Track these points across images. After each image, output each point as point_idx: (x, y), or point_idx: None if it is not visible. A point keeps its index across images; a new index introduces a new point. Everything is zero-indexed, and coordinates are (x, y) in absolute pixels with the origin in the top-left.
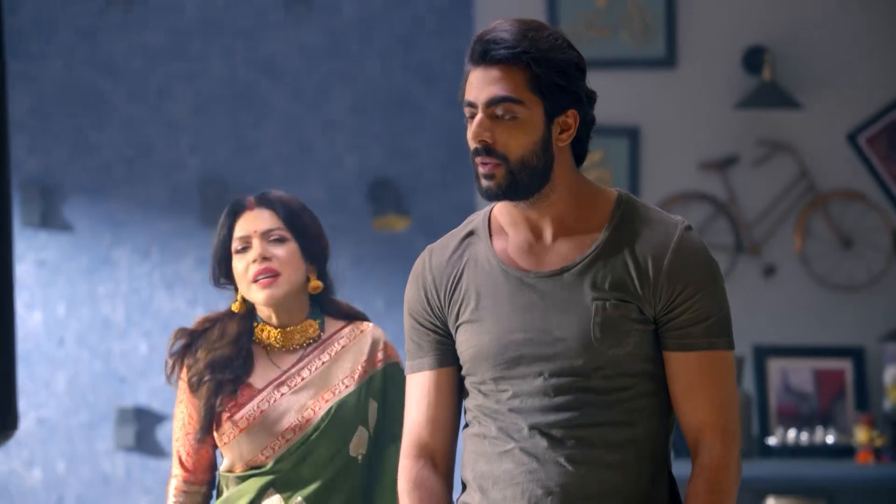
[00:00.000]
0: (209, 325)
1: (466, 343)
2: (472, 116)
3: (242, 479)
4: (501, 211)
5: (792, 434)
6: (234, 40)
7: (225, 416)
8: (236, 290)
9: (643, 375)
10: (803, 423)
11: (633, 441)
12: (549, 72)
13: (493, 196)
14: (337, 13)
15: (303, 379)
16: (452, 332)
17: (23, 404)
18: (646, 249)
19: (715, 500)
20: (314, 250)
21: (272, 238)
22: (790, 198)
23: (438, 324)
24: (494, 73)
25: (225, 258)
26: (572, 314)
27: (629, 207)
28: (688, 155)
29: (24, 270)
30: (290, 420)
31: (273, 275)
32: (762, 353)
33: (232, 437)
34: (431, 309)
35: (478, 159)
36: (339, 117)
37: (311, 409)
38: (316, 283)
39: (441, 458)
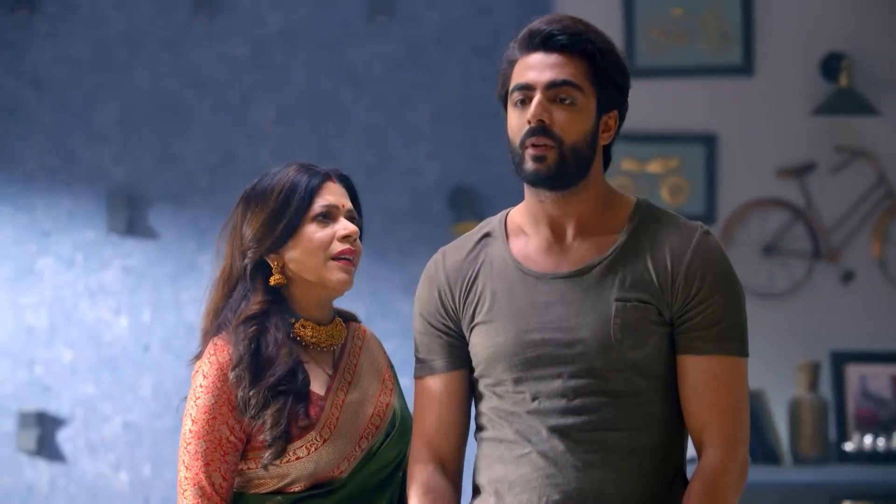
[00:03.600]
0: (257, 325)
1: (481, 344)
2: (525, 101)
3: (300, 500)
4: (521, 212)
5: (869, 439)
6: (316, 51)
7: (294, 429)
8: (265, 265)
9: (661, 379)
10: (881, 428)
11: (651, 446)
12: (609, 67)
13: (540, 179)
14: (418, 23)
15: (349, 382)
16: (466, 334)
17: (109, 409)
18: (665, 250)
19: (709, 503)
20: None
21: (353, 221)
22: (868, 204)
23: (452, 326)
24: (556, 58)
25: (298, 223)
26: (592, 315)
27: (648, 211)
28: (765, 162)
29: (110, 277)
30: (362, 426)
31: (352, 259)
32: (840, 359)
33: (312, 449)
34: (445, 310)
35: (532, 139)
36: (421, 126)
37: (377, 415)
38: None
39: (451, 463)
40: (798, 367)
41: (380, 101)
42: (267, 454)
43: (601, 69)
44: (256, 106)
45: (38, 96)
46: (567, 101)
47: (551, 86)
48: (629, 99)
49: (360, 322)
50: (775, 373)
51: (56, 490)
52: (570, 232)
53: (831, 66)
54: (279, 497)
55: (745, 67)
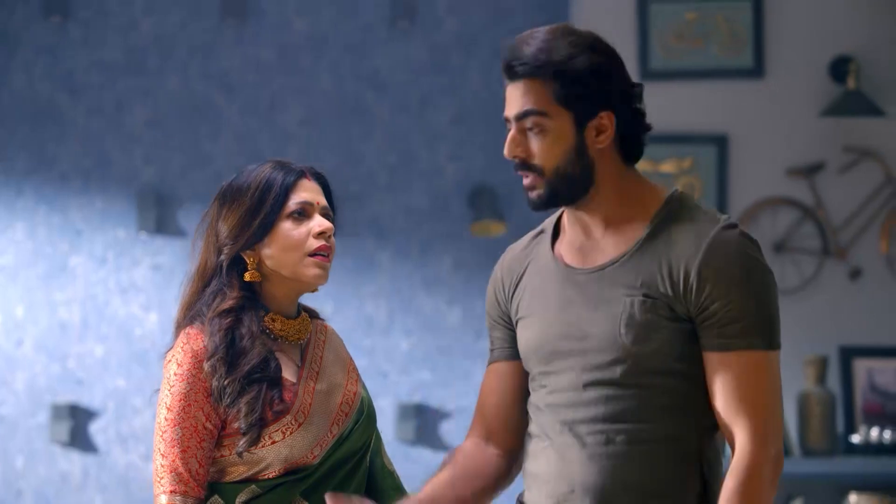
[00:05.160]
0: (232, 318)
1: (519, 338)
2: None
3: (273, 487)
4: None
5: (875, 432)
6: (341, 55)
7: (270, 413)
8: (240, 260)
9: (673, 374)
10: (888, 421)
11: (659, 439)
12: (569, 83)
13: (539, 207)
14: (439, 28)
15: (316, 372)
16: (515, 327)
17: (139, 401)
18: (680, 247)
19: (744, 501)
20: None
21: (327, 217)
22: (876, 203)
23: (506, 318)
24: (520, 87)
25: (273, 220)
26: (602, 310)
27: (677, 206)
28: (775, 162)
29: (140, 274)
30: (333, 413)
31: (327, 255)
32: (848, 354)
33: (288, 433)
34: (499, 304)
35: (519, 173)
36: (442, 128)
37: (346, 402)
38: None
39: (501, 444)
40: (807, 362)
41: (402, 104)
42: (242, 441)
43: (563, 87)
44: (283, 108)
45: (72, 100)
46: (536, 130)
47: (518, 118)
48: (645, 96)
49: (322, 319)
50: (784, 367)
51: (88, 479)
52: (597, 231)
53: (840, 68)
54: (253, 485)
55: (756, 70)
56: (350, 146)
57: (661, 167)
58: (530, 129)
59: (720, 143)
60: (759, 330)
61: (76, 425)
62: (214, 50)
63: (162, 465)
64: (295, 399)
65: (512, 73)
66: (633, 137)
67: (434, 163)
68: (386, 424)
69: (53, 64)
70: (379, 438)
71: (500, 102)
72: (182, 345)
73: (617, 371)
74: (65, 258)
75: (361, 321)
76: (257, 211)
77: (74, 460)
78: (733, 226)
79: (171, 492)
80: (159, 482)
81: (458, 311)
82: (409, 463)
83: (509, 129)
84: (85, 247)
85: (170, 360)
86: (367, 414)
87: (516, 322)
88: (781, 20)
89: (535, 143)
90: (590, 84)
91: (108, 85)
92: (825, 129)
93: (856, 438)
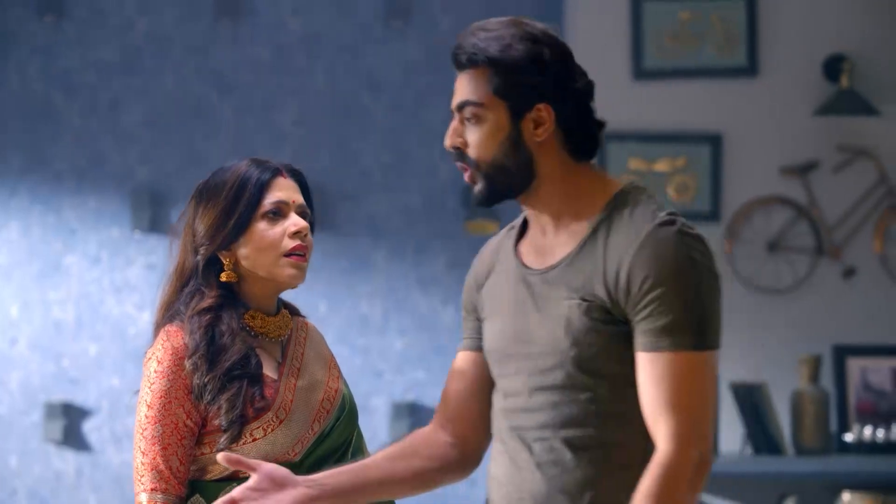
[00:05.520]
0: (211, 316)
1: (483, 339)
2: None
3: None
4: None
5: (869, 431)
6: (336, 55)
7: (251, 410)
8: (217, 259)
9: (614, 379)
10: (881, 420)
11: (602, 446)
12: (504, 72)
13: (481, 202)
14: (433, 28)
15: (297, 369)
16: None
17: (133, 400)
18: (616, 247)
19: (658, 502)
20: None
21: (304, 216)
22: (869, 202)
23: (477, 310)
24: (462, 78)
25: (248, 220)
26: (545, 312)
27: (622, 202)
28: (769, 160)
29: (134, 273)
30: (312, 409)
31: (304, 255)
32: (842, 353)
33: (269, 430)
34: (471, 297)
35: (458, 165)
36: (436, 127)
37: (327, 399)
38: None
39: (451, 429)
40: (800, 361)
41: (398, 104)
42: (223, 438)
43: (501, 76)
44: (278, 108)
45: (67, 99)
46: (472, 121)
47: (458, 108)
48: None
49: (303, 316)
50: (778, 366)
51: (82, 478)
52: (548, 229)
53: (833, 67)
54: (234, 483)
55: (750, 69)
56: (345, 146)
57: (655, 166)
58: (468, 119)
59: (714, 142)
60: (688, 330)
61: (70, 424)
62: (209, 49)
63: (142, 463)
64: (276, 396)
65: (456, 64)
66: (580, 132)
67: (428, 162)
68: (380, 423)
69: (48, 63)
70: (360, 436)
71: None
72: (162, 342)
73: (559, 376)
74: (59, 257)
75: (356, 320)
76: (232, 211)
77: (68, 459)
78: (671, 222)
79: (151, 489)
80: (140, 480)
81: (452, 310)
82: None
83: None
84: (79, 246)
85: (150, 358)
86: (348, 411)
87: (482, 320)
88: (775, 19)
89: (472, 135)
90: (525, 75)
91: (102, 84)
92: (819, 128)
93: (849, 437)
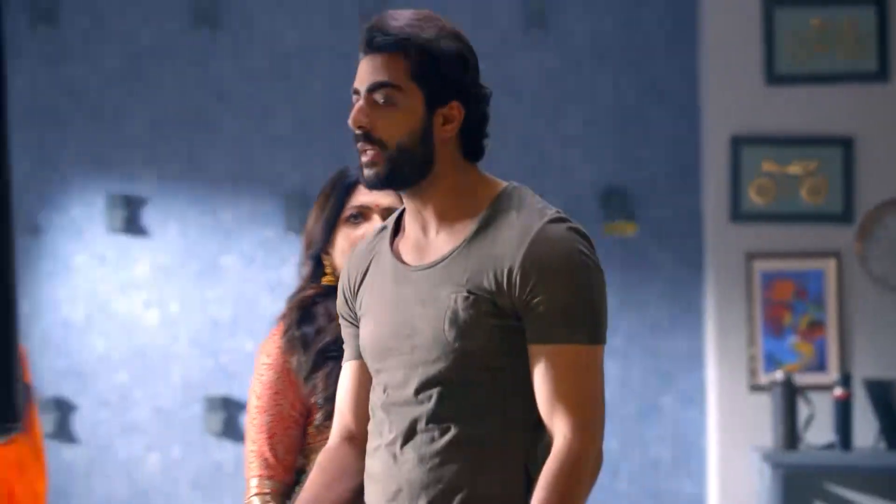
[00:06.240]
0: (308, 301)
1: (359, 337)
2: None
3: None
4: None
5: None
6: (479, 61)
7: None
8: (320, 265)
9: (498, 371)
10: None
11: (483, 439)
12: (429, 61)
13: (375, 184)
14: (571, 36)
15: None
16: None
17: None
18: (505, 242)
19: (557, 493)
20: None
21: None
22: None
23: (353, 316)
24: (377, 60)
25: (333, 224)
26: (430, 307)
27: (507, 200)
28: None
29: (287, 273)
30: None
31: None
32: None
33: None
34: (347, 302)
35: (358, 146)
36: (575, 132)
37: None
38: None
39: (356, 440)
40: None
41: (537, 109)
42: (318, 414)
43: (423, 65)
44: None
45: (221, 106)
46: (387, 104)
47: (370, 89)
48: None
49: None
50: None
51: (240, 468)
52: (431, 226)
53: None
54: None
55: (881, 74)
56: (488, 151)
57: (788, 169)
58: (382, 102)
59: (846, 144)
60: (581, 324)
61: (228, 417)
62: (355, 57)
63: (251, 451)
64: None
65: (372, 45)
66: (476, 136)
67: (567, 165)
68: None
69: (204, 73)
70: None
71: (631, 106)
72: (272, 335)
73: (442, 369)
74: (216, 258)
75: None
76: (321, 215)
77: (227, 450)
78: (560, 220)
79: (259, 476)
80: (249, 466)
81: None
82: None
83: (355, 102)
84: (235, 246)
85: (260, 352)
86: None
87: (359, 320)
88: None
89: (383, 117)
90: (450, 69)
91: (255, 92)
92: None
93: None
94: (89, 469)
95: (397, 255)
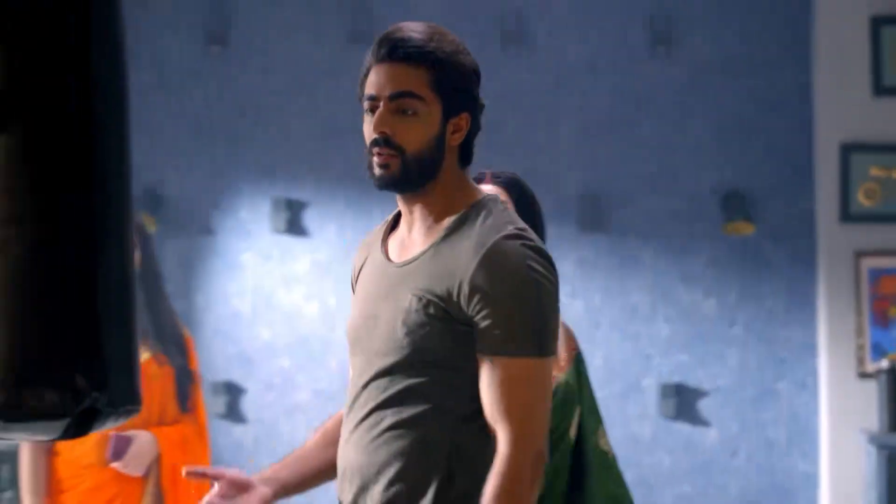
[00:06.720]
0: None
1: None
2: (373, 109)
3: None
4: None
5: None
6: (611, 77)
7: None
8: None
9: (446, 371)
10: None
11: (412, 427)
12: (451, 74)
13: (385, 186)
14: (695, 53)
15: None
16: None
17: None
18: (461, 254)
19: (505, 502)
20: None
21: None
22: None
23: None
24: (400, 69)
25: None
26: (391, 304)
27: (475, 213)
28: None
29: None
30: None
31: None
32: None
33: None
34: (352, 287)
35: (375, 149)
36: (698, 140)
37: None
38: None
39: None
40: None
41: (664, 120)
42: None
43: (444, 77)
44: (559, 124)
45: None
46: (409, 112)
47: (393, 97)
48: None
49: None
50: None
51: None
52: (416, 224)
53: None
54: None
55: None
56: (620, 157)
57: (893, 174)
58: (403, 110)
59: None
60: (526, 338)
61: None
62: (498, 74)
63: None
64: None
65: (396, 55)
66: (471, 144)
67: (691, 171)
68: (650, 401)
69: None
70: (598, 420)
71: (753, 117)
72: None
73: (392, 363)
74: None
75: (627, 310)
76: None
77: None
78: (516, 237)
79: None
80: None
81: (713, 302)
82: (671, 435)
83: (373, 107)
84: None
85: None
86: (560, 398)
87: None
88: None
89: (405, 125)
90: (466, 82)
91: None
92: None
93: None
94: (256, 447)
95: (385, 250)
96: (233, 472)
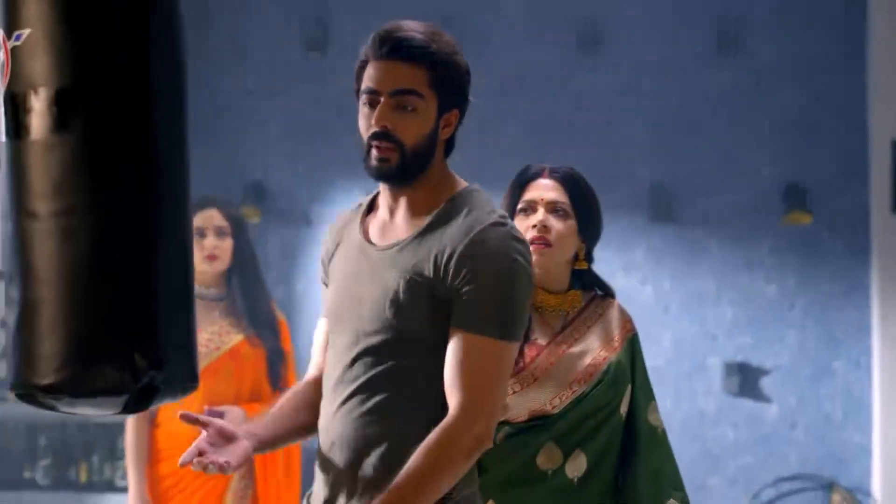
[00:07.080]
0: None
1: (326, 300)
2: (372, 104)
3: (524, 429)
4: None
5: None
6: (678, 78)
7: (514, 368)
8: None
9: (428, 348)
10: None
11: (403, 403)
12: (449, 74)
13: (382, 177)
14: (758, 55)
15: (575, 339)
16: None
17: None
18: (450, 237)
19: (424, 459)
20: (590, 231)
21: (556, 210)
22: None
23: (328, 280)
24: (401, 67)
25: (511, 216)
26: (378, 284)
27: (461, 201)
28: None
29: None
30: (576, 372)
31: (546, 244)
32: None
33: (525, 385)
34: (324, 268)
35: (375, 142)
36: (760, 137)
37: (593, 365)
38: (582, 263)
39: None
40: None
41: (730, 118)
42: None
43: (441, 76)
44: (633, 119)
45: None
46: (409, 108)
47: (395, 93)
48: None
49: (613, 297)
50: None
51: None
52: (398, 210)
53: None
54: (507, 426)
55: None
56: (685, 152)
57: None
58: (403, 106)
59: None
60: (495, 320)
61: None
62: (573, 78)
63: None
64: (536, 358)
65: (397, 53)
66: (454, 138)
67: (753, 165)
68: (714, 379)
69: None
70: (649, 397)
71: (809, 117)
72: None
73: (379, 342)
74: None
75: (694, 295)
76: (506, 205)
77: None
78: (502, 224)
79: None
80: None
81: (774, 288)
82: (735, 411)
83: (373, 101)
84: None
85: None
86: (612, 376)
87: (329, 286)
88: None
89: (404, 120)
90: (460, 81)
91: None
92: None
93: None
94: None
95: (365, 232)
96: (221, 422)
